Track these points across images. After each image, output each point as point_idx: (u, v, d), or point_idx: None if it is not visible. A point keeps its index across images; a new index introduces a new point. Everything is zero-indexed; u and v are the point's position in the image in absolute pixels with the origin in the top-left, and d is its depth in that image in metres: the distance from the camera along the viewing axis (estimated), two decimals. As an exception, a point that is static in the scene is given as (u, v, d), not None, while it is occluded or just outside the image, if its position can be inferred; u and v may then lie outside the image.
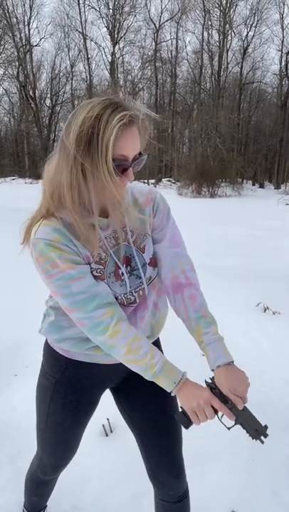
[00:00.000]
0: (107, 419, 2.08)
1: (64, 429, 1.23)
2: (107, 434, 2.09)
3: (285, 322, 3.49)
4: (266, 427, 1.05)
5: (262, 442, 1.04)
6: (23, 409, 2.34)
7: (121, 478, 1.82)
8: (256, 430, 1.04)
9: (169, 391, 1.04)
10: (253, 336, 3.25)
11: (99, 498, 1.73)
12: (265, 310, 3.76)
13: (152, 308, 1.18)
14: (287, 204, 16.13)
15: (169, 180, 28.94)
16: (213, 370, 1.08)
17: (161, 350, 1.31)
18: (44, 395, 1.22)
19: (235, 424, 1.05)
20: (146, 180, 27.43)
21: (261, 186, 31.11)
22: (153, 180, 28.14)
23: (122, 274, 1.08)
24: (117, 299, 1.08)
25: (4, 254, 6.05)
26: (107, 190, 0.94)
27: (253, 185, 31.28)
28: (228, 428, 1.07)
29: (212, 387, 1.06)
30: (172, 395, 1.05)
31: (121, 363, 1.11)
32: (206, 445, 1.96)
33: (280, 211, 13.90)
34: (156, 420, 1.22)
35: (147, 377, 1.03)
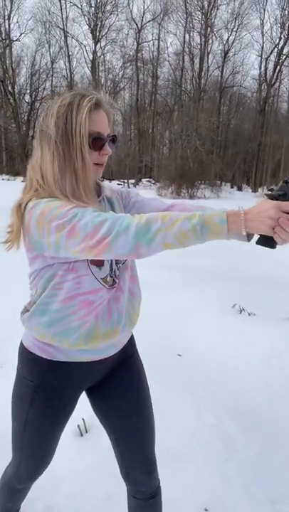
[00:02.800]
0: (82, 419, 2.07)
1: (42, 434, 1.20)
2: (82, 434, 2.08)
3: (260, 323, 3.55)
4: None
5: None
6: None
7: (95, 478, 1.81)
8: None
9: (225, 229, 0.89)
10: (229, 336, 3.30)
11: (73, 498, 1.72)
12: (240, 311, 3.82)
13: (128, 295, 1.18)
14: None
15: (148, 181, 29.01)
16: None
17: (134, 344, 1.32)
18: (22, 401, 1.18)
19: None
20: (126, 180, 27.43)
21: (239, 189, 31.54)
22: (133, 180, 28.17)
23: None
24: (103, 282, 1.09)
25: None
26: (86, 168, 1.03)
27: (232, 187, 31.67)
28: None
29: (278, 195, 0.93)
30: (241, 231, 0.89)
31: (99, 361, 1.14)
32: (178, 445, 1.98)
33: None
34: (131, 418, 1.23)
35: (195, 224, 0.89)
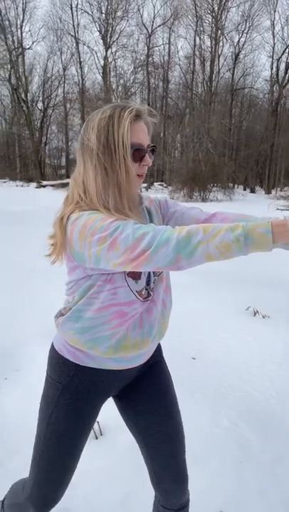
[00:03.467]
0: (97, 422, 2.09)
1: (64, 442, 1.15)
2: (97, 437, 2.09)
3: (274, 326, 3.53)
4: None
5: None
6: (13, 412, 2.34)
7: (110, 480, 1.83)
8: None
9: (270, 240, 0.89)
10: (243, 339, 3.28)
11: (89, 500, 1.74)
12: (254, 314, 3.80)
13: (161, 306, 1.17)
14: (277, 209, 16.29)
15: (160, 185, 29.06)
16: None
17: (161, 351, 1.31)
18: (48, 403, 1.17)
19: None
20: (138, 184, 27.52)
21: (252, 191, 31.36)
22: (145, 184, 28.21)
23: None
24: (138, 295, 1.09)
25: (2, 256, 6.04)
26: (130, 180, 1.04)
27: (244, 189, 31.52)
28: None
29: None
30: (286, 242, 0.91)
31: (127, 370, 1.14)
32: (193, 448, 1.97)
33: (270, 216, 14.00)
34: (160, 424, 1.22)
35: (238, 235, 0.90)
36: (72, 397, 1.14)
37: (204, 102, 31.62)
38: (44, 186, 26.70)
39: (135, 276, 1.07)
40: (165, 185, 28.27)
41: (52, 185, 27.03)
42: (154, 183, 29.54)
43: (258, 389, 2.60)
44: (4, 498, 1.38)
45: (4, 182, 30.40)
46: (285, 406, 2.42)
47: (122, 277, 1.06)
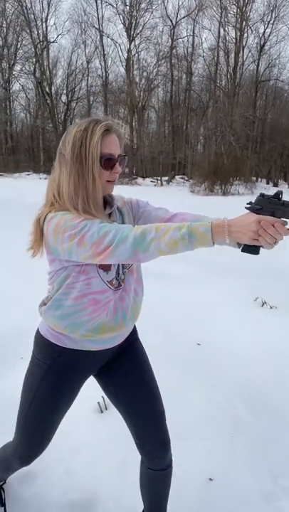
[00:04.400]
0: (102, 397, 2.25)
1: (45, 414, 1.35)
2: (102, 411, 2.26)
3: (281, 316, 3.62)
4: None
5: None
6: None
7: (111, 449, 1.99)
8: None
9: (210, 238, 1.02)
10: (248, 328, 3.39)
11: (89, 465, 1.90)
12: (262, 305, 3.89)
13: (134, 295, 1.34)
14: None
15: (182, 178, 28.97)
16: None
17: (136, 332, 1.48)
18: (33, 380, 1.35)
19: None
20: (159, 178, 27.52)
21: (275, 185, 30.87)
22: (166, 178, 28.21)
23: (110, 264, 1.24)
24: (109, 284, 1.25)
25: (16, 247, 6.29)
26: (95, 185, 1.18)
27: (267, 183, 31.07)
28: None
29: (256, 208, 1.06)
30: (225, 240, 1.03)
31: (104, 350, 1.31)
32: (189, 422, 2.12)
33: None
34: (138, 392, 1.39)
35: (183, 233, 1.03)
36: (55, 375, 1.32)
37: (228, 94, 31.23)
38: (67, 179, 27.01)
39: (105, 268, 1.23)
40: (186, 178, 28.16)
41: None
42: (176, 176, 29.47)
43: (259, 375, 2.71)
44: None
45: (28, 175, 30.90)
46: (283, 389, 2.53)
47: (94, 269, 1.22)
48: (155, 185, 26.81)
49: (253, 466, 1.88)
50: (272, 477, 1.82)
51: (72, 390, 1.37)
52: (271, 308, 3.81)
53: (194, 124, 33.80)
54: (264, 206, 1.05)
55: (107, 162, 1.19)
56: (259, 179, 29.78)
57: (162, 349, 2.86)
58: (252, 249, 1.07)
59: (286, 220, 1.03)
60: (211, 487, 1.77)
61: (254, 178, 26.96)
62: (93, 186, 1.18)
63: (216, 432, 2.07)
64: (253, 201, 1.08)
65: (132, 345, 1.44)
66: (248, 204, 1.09)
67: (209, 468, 1.84)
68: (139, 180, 27.34)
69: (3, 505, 1.63)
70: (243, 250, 1.10)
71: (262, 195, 1.07)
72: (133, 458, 1.90)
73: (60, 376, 1.33)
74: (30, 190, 19.01)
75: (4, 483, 1.68)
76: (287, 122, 32.22)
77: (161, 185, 26.80)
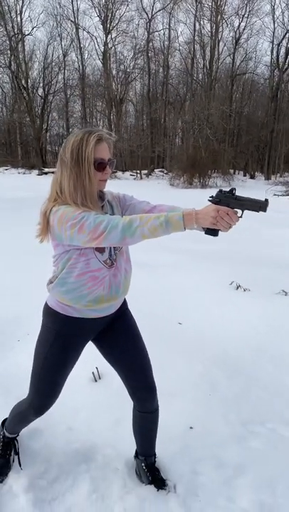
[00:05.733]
0: (96, 368, 2.56)
1: (56, 370, 1.65)
2: (96, 380, 2.57)
3: (253, 297, 3.99)
4: (266, 200, 1.38)
5: (265, 211, 1.37)
6: (26, 365, 2.79)
7: (106, 409, 2.31)
8: (260, 206, 1.37)
9: (182, 225, 1.32)
10: (225, 308, 3.75)
11: (89, 422, 2.22)
12: (237, 288, 4.26)
13: (124, 272, 1.66)
14: (275, 195, 16.64)
15: (161, 171, 29.28)
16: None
17: (126, 303, 1.80)
18: (44, 344, 1.67)
19: (242, 212, 1.38)
20: (138, 171, 27.77)
21: (252, 177, 31.56)
22: (145, 171, 28.48)
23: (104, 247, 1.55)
24: (104, 263, 1.56)
25: (7, 240, 6.50)
26: (91, 184, 1.48)
27: (244, 175, 31.71)
28: (241, 216, 1.37)
29: (216, 201, 1.37)
30: (193, 225, 1.34)
31: (101, 317, 1.63)
32: (172, 386, 2.46)
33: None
34: (129, 350, 1.73)
35: (162, 221, 1.32)
36: (62, 339, 1.64)
37: (204, 87, 31.61)
38: (46, 173, 26.98)
39: (100, 250, 1.54)
40: (165, 171, 28.49)
41: (53, 172, 27.18)
42: (155, 170, 29.77)
43: (233, 346, 3.07)
44: (5, 419, 1.96)
45: (6, 169, 30.70)
46: (255, 359, 2.89)
47: (91, 251, 1.53)
48: (134, 178, 27.06)
49: (226, 417, 2.24)
50: (242, 424, 2.17)
51: (76, 351, 1.69)
52: (245, 290, 4.18)
53: (172, 118, 34.09)
54: (221, 199, 1.39)
55: (100, 165, 1.47)
56: (236, 172, 30.35)
57: (148, 328, 3.15)
58: (213, 232, 1.40)
59: (237, 210, 1.38)
60: (192, 433, 2.11)
61: (232, 171, 27.49)
62: (89, 185, 1.47)
63: (195, 392, 2.41)
64: (214, 195, 1.41)
65: (123, 314, 1.76)
66: (210, 197, 1.41)
67: (190, 419, 2.18)
68: (119, 173, 27.52)
69: (17, 453, 1.93)
70: (206, 233, 1.43)
71: (220, 190, 1.41)
72: (125, 416, 2.22)
73: (67, 339, 1.64)
74: (8, 185, 18.98)
75: (17, 435, 1.97)
76: (263, 115, 32.88)
77: (141, 178, 27.07)
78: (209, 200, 1.41)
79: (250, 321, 3.50)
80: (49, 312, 1.67)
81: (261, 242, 7.25)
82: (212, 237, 1.44)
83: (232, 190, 1.40)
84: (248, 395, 2.46)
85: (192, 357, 2.85)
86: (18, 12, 32.00)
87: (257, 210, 1.38)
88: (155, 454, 1.88)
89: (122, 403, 2.28)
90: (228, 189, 1.44)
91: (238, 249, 6.43)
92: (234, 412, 2.28)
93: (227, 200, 1.38)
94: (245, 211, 1.40)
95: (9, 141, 38.02)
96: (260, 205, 1.37)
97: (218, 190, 1.42)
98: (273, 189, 18.21)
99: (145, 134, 31.90)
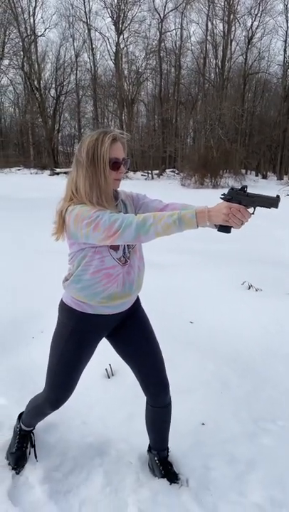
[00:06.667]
0: (109, 365, 2.61)
1: (71, 365, 1.69)
2: (109, 377, 2.62)
3: (265, 297, 4.00)
4: (278, 196, 1.40)
5: (277, 207, 1.40)
6: (40, 361, 2.86)
7: (119, 405, 2.35)
8: (271, 203, 1.39)
9: (195, 222, 1.36)
10: (236, 308, 3.77)
11: (102, 417, 2.26)
12: (249, 287, 4.27)
13: (137, 270, 1.70)
14: (287, 195, 16.53)
15: (172, 171, 29.25)
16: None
17: (139, 300, 1.83)
18: (60, 339, 1.72)
19: (254, 209, 1.41)
20: (149, 171, 27.79)
21: (264, 177, 31.34)
22: (157, 171, 28.48)
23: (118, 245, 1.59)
24: (118, 261, 1.60)
25: (23, 239, 6.59)
26: (107, 183, 1.52)
27: (256, 175, 31.50)
28: (253, 213, 1.40)
29: (227, 198, 1.41)
30: (206, 223, 1.37)
31: (115, 314, 1.66)
32: (184, 383, 2.49)
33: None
34: (143, 348, 1.77)
35: (175, 219, 1.36)
36: (78, 335, 1.68)
37: (216, 87, 31.50)
38: (58, 173, 27.17)
39: (115, 248, 1.58)
40: (177, 171, 28.45)
41: (65, 173, 27.44)
42: (166, 170, 29.75)
43: (244, 345, 3.09)
44: (22, 412, 2.00)
45: (19, 170, 30.99)
46: (265, 358, 2.91)
47: (106, 249, 1.57)
48: (146, 178, 27.08)
49: (237, 414, 2.26)
50: (253, 421, 2.20)
51: (90, 347, 1.73)
52: (256, 290, 4.20)
53: (184, 118, 34.04)
54: (233, 196, 1.42)
55: (115, 164, 1.51)
56: (248, 172, 30.19)
57: (159, 327, 3.19)
58: (225, 229, 1.43)
59: (250, 206, 1.40)
60: (204, 430, 2.15)
61: (243, 171, 27.34)
62: (105, 184, 1.52)
63: (207, 390, 2.45)
64: (226, 193, 1.44)
65: (136, 311, 1.80)
66: (222, 195, 1.45)
67: (202, 416, 2.22)
68: (130, 174, 27.57)
69: (34, 446, 1.99)
70: (219, 230, 1.45)
71: (232, 188, 1.44)
72: (137, 412, 2.26)
73: (82, 335, 1.69)
74: (21, 186, 19.17)
75: (34, 428, 2.03)
76: (276, 115, 32.63)
77: (152, 178, 27.08)
78: (221, 198, 1.44)
79: (261, 320, 3.52)
80: (65, 309, 1.71)
81: (273, 242, 7.24)
82: (225, 234, 1.46)
83: (243, 188, 1.43)
84: (259, 393, 2.48)
85: (203, 356, 2.88)
86: (31, 13, 32.29)
87: (269, 207, 1.40)
88: (168, 449, 1.91)
89: (134, 399, 2.32)
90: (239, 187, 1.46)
91: (250, 250, 6.43)
92: (245, 409, 2.31)
93: (239, 197, 1.41)
94: (257, 208, 1.42)
95: (22, 142, 38.42)
96: (272, 202, 1.39)
97: (230, 188, 1.45)
98: (286, 189, 18.08)
99: (156, 134, 31.90)
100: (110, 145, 1.49)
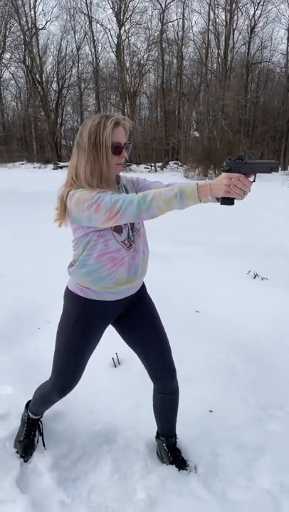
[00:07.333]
0: (116, 354, 2.61)
1: (77, 352, 1.69)
2: (116, 366, 2.62)
3: (270, 286, 3.98)
4: (276, 161, 1.38)
5: (277, 170, 1.39)
6: (46, 352, 2.87)
7: (126, 393, 2.35)
8: (271, 167, 1.36)
9: (197, 196, 1.33)
10: (242, 296, 3.75)
11: (109, 405, 2.27)
12: (254, 277, 4.25)
13: (142, 254, 1.68)
14: (291, 185, 16.40)
15: (175, 163, 29.10)
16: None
17: (144, 286, 1.81)
18: (66, 327, 1.71)
19: (255, 177, 1.38)
20: (153, 164, 27.68)
21: (268, 168, 31.05)
22: (160, 164, 28.35)
23: (122, 227, 1.58)
24: (122, 244, 1.58)
25: (30, 231, 6.60)
26: (109, 167, 1.50)
27: (260, 166, 31.21)
28: (254, 180, 1.37)
29: (226, 169, 1.37)
30: (208, 197, 1.35)
31: (120, 300, 1.65)
32: (191, 371, 2.49)
33: (283, 192, 14.24)
34: (150, 333, 1.76)
35: (176, 192, 1.34)
36: (83, 321, 1.67)
37: (219, 77, 31.20)
38: (61, 167, 27.11)
39: (118, 230, 1.57)
40: (180, 163, 28.31)
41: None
42: (169, 162, 29.60)
43: (250, 333, 3.07)
44: (29, 401, 2.00)
45: (22, 164, 30.94)
46: (271, 345, 2.90)
47: (110, 232, 1.55)
48: (149, 171, 26.97)
49: (245, 401, 2.26)
50: (261, 408, 2.19)
51: (96, 333, 1.72)
52: (262, 279, 4.17)
53: (186, 109, 33.78)
54: (232, 167, 1.38)
55: (116, 149, 1.50)
56: (252, 162, 29.91)
57: (165, 317, 3.19)
58: (228, 201, 1.38)
59: (250, 175, 1.37)
60: (212, 416, 2.14)
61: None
62: (107, 168, 1.50)
63: (214, 377, 2.44)
64: (224, 164, 1.41)
65: (142, 297, 1.79)
66: (221, 168, 1.41)
67: (209, 403, 2.21)
68: (133, 166, 27.47)
69: (42, 434, 1.99)
70: (222, 203, 1.42)
71: (229, 158, 1.40)
72: (144, 400, 2.26)
73: (87, 322, 1.68)
74: (24, 180, 19.17)
75: (41, 416, 2.03)
76: (279, 105, 32.31)
77: (155, 171, 26.97)
78: (222, 170, 1.41)
79: (267, 309, 3.49)
80: (70, 295, 1.70)
81: (278, 233, 7.20)
82: (228, 206, 1.42)
83: (241, 156, 1.39)
84: (266, 381, 2.47)
85: (210, 344, 2.87)
86: (32, 6, 32.08)
87: (269, 171, 1.37)
88: (176, 435, 1.91)
89: (141, 388, 2.32)
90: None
91: (254, 240, 6.40)
92: (253, 396, 2.30)
93: (238, 166, 1.37)
94: (258, 174, 1.39)
95: (24, 136, 38.29)
96: (272, 166, 1.36)
97: (227, 158, 1.42)
98: (290, 180, 17.91)
99: (159, 126, 31.70)
100: (112, 129, 1.47)
